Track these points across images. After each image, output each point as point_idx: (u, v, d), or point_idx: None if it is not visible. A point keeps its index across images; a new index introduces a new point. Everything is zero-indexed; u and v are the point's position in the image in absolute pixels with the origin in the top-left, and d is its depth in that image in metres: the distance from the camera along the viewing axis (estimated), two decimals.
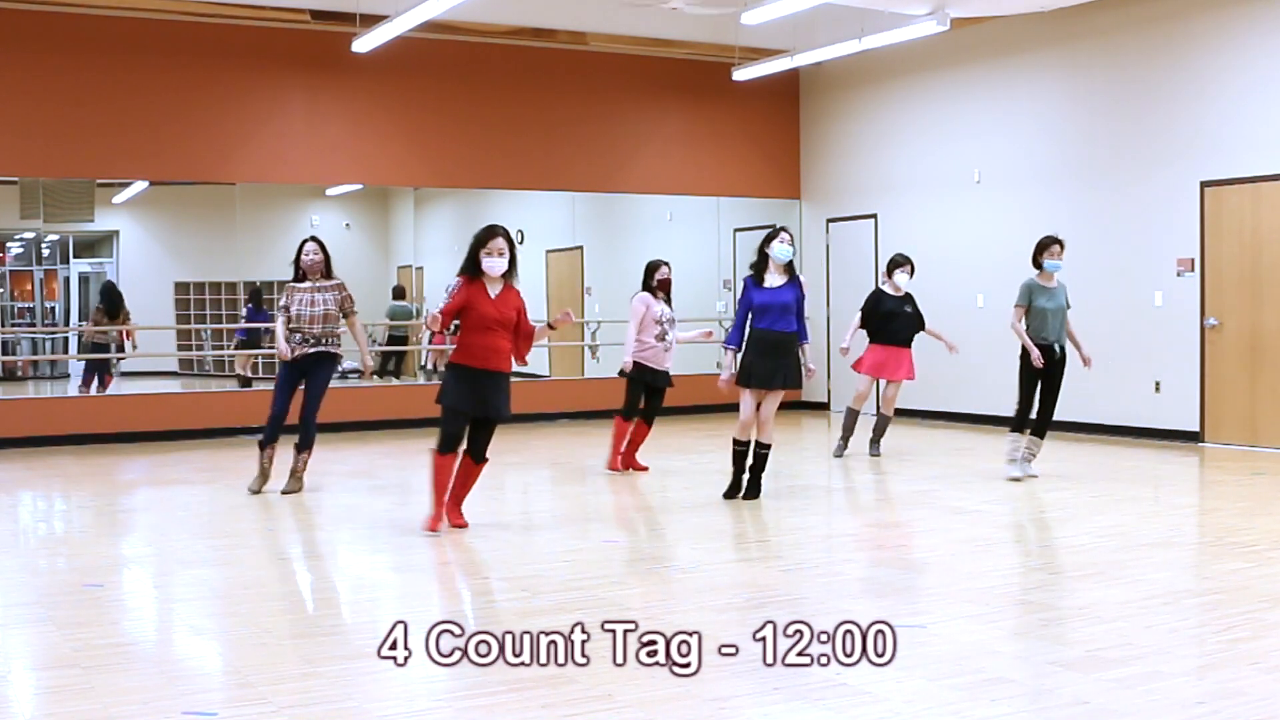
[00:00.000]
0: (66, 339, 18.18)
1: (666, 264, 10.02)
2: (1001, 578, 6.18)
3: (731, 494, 8.52)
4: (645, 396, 9.84)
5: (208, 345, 16.46)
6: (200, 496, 9.30)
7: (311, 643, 5.13)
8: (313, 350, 8.86)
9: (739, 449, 8.49)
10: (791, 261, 8.49)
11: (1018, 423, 9.31)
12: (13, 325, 18.15)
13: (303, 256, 9.08)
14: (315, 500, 9.16)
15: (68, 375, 17.74)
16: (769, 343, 8.29)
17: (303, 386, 8.91)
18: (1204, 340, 11.42)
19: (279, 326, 8.84)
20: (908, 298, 10.85)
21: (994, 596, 5.73)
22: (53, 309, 18.64)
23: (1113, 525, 7.49)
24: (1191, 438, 11.52)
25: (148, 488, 10.02)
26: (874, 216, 14.93)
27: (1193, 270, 11.50)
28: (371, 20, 11.63)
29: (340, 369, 16.96)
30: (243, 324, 15.52)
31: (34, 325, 18.30)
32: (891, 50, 13.47)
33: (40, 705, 4.32)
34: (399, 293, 16.36)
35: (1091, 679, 4.37)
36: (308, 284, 9.01)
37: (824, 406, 15.67)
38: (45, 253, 18.44)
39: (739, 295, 8.60)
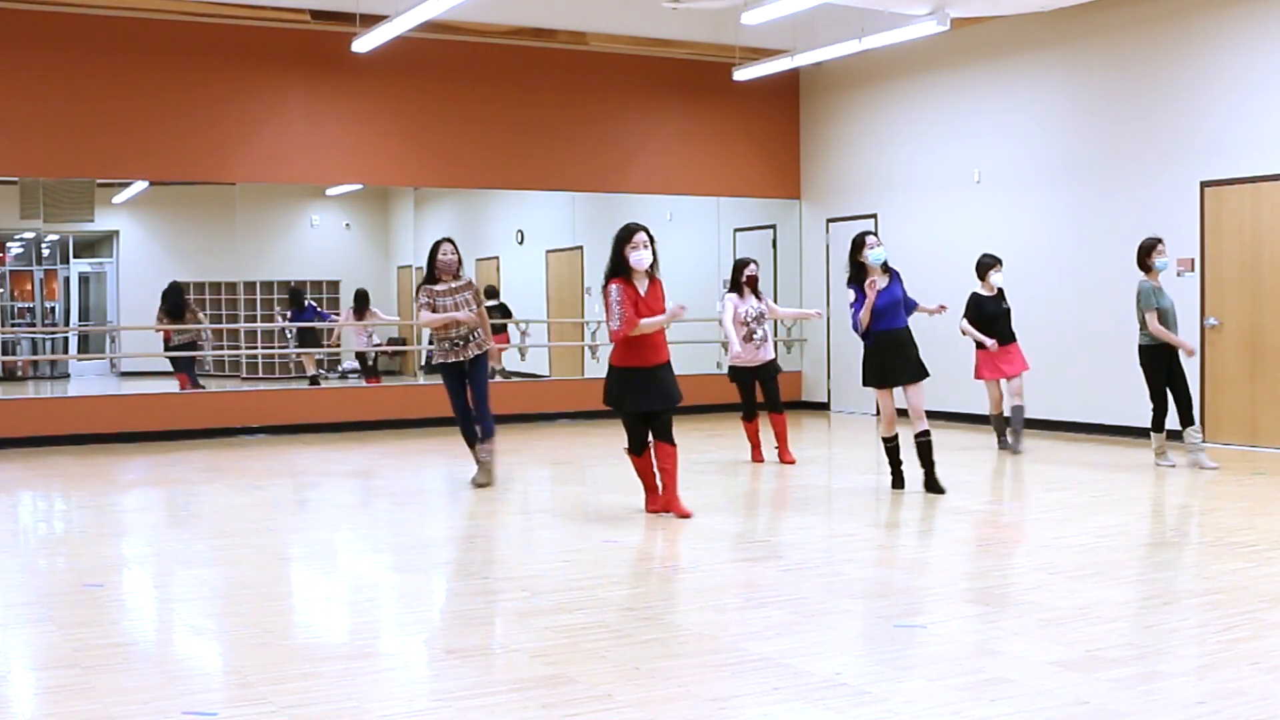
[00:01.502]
0: (66, 339, 18.19)
1: (754, 261, 10.41)
2: (1001, 578, 6.18)
3: (897, 485, 8.83)
4: (761, 388, 10.26)
5: (208, 345, 16.46)
6: (200, 496, 9.30)
7: (311, 643, 5.14)
8: (474, 353, 9.02)
9: (889, 445, 8.85)
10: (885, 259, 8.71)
11: (1157, 421, 9.94)
12: (13, 325, 18.16)
13: (440, 256, 9.05)
14: (315, 500, 9.16)
15: (68, 375, 17.76)
16: (891, 343, 8.62)
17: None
18: (1204, 340, 11.42)
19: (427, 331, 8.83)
20: (1001, 294, 11.00)
21: (994, 596, 5.73)
22: (53, 309, 18.65)
23: (1113, 525, 7.50)
24: None
25: (148, 488, 10.02)
26: (874, 216, 14.92)
27: (1193, 270, 11.49)
28: (371, 20, 11.63)
29: (341, 369, 16.98)
30: (293, 324, 15.52)
31: (34, 325, 18.30)
32: (891, 50, 13.47)
33: (40, 705, 4.32)
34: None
35: (1091, 679, 4.37)
36: (442, 286, 8.99)
37: (824, 407, 15.68)
38: (45, 253, 18.45)
39: (850, 304, 8.77)
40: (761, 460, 10.49)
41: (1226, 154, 11.20)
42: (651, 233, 7.77)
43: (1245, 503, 8.38)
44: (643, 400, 7.68)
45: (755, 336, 10.13)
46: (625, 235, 7.70)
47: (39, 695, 4.44)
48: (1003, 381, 11.04)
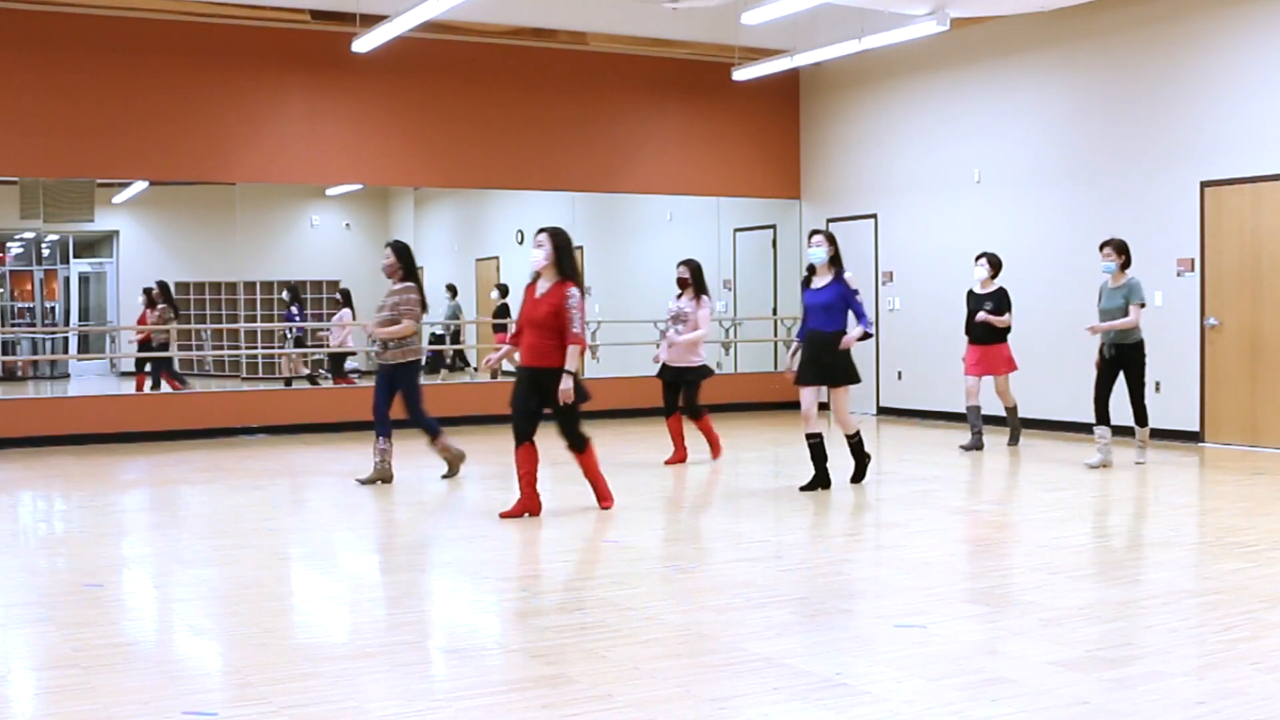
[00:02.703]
0: (66, 339, 18.20)
1: (683, 264, 10.49)
2: (1001, 578, 6.18)
3: (809, 486, 8.90)
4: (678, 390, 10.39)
5: (207, 345, 16.45)
6: (200, 496, 9.30)
7: (311, 643, 5.14)
8: (382, 362, 9.24)
9: (810, 442, 8.93)
10: (835, 259, 8.72)
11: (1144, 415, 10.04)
12: (13, 325, 18.15)
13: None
14: (315, 500, 9.16)
15: (68, 375, 17.77)
16: (812, 343, 8.78)
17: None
18: (1204, 340, 11.42)
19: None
20: (989, 295, 11.02)
21: (994, 596, 5.73)
22: (53, 309, 18.66)
23: (1113, 525, 7.49)
24: (1191, 438, 11.52)
25: (148, 488, 10.02)
26: (874, 216, 14.92)
27: (1193, 270, 11.49)
28: (371, 20, 11.63)
29: (344, 369, 16.95)
30: (297, 323, 15.52)
31: (34, 325, 18.30)
32: (891, 50, 13.47)
33: (40, 705, 4.32)
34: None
35: (1091, 679, 4.37)
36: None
37: (823, 407, 15.64)
38: (45, 253, 18.45)
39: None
40: (679, 461, 10.39)
41: (1226, 154, 11.20)
42: (566, 236, 7.70)
43: (1245, 503, 8.38)
44: (586, 394, 7.84)
45: (667, 335, 10.31)
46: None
47: (39, 695, 4.44)
48: (981, 379, 11.11)
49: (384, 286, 9.44)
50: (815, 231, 8.93)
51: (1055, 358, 12.51)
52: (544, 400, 7.73)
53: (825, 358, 8.71)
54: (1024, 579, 6.09)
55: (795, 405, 15.78)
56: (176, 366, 14.58)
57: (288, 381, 15.46)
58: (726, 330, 15.80)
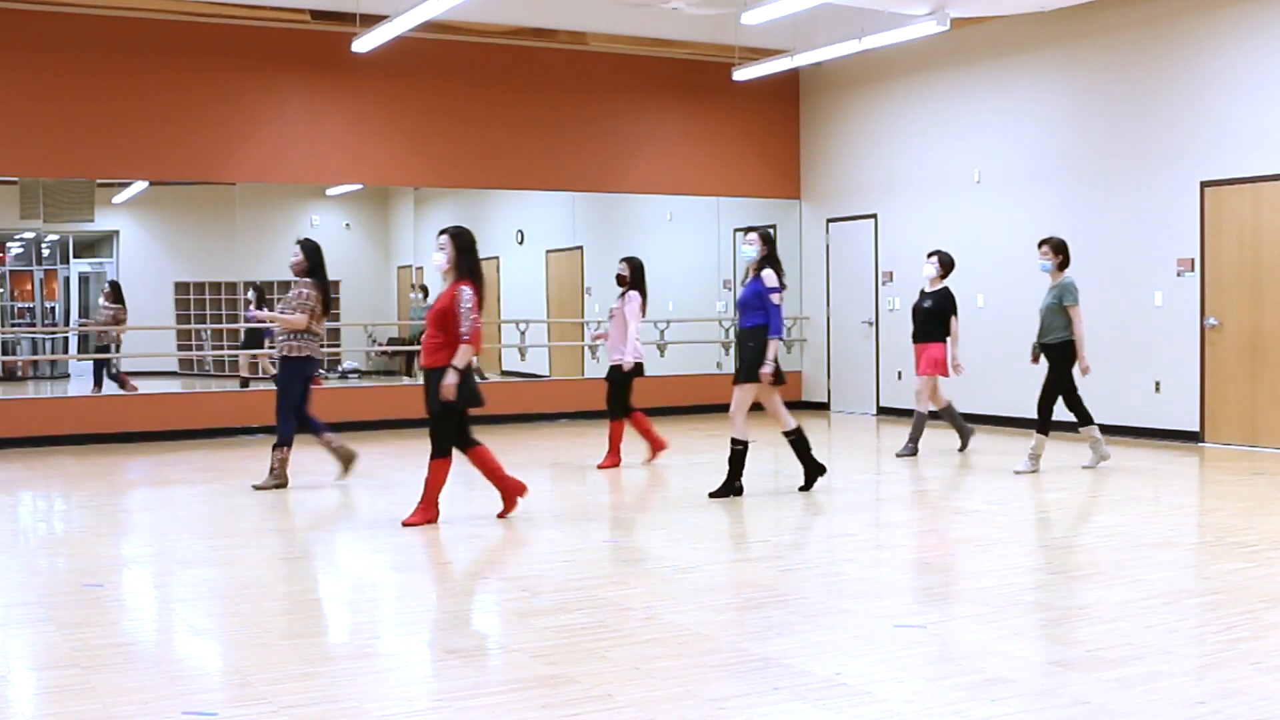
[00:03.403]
0: (66, 339, 18.19)
1: (624, 260, 10.39)
2: (1001, 578, 6.18)
3: (719, 492, 8.59)
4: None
5: (208, 345, 16.46)
6: (200, 496, 9.30)
7: (311, 643, 5.14)
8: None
9: (735, 448, 8.60)
10: (761, 258, 8.46)
11: (1085, 414, 9.83)
12: (13, 325, 18.15)
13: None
14: (315, 500, 9.16)
15: (68, 375, 17.77)
16: (737, 340, 8.69)
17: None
18: (1204, 340, 11.42)
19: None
20: (932, 294, 10.86)
21: (994, 596, 5.73)
22: (53, 309, 18.65)
23: (1113, 525, 7.50)
24: (1191, 438, 11.52)
25: (148, 488, 10.02)
26: (874, 216, 14.93)
27: (1193, 270, 11.49)
28: (371, 20, 11.63)
29: (341, 368, 16.96)
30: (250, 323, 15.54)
31: (34, 325, 18.29)
32: (891, 50, 13.47)
33: (40, 705, 4.32)
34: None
35: (1091, 679, 4.37)
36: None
37: (824, 406, 15.68)
38: (45, 253, 18.45)
39: None
40: (613, 465, 10.22)
41: (1226, 154, 11.20)
42: (470, 238, 7.57)
43: (1245, 503, 8.38)
44: (476, 397, 7.56)
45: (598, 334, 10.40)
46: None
47: (39, 695, 4.44)
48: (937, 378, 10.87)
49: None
50: (750, 229, 8.75)
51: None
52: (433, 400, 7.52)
53: (744, 355, 8.45)
54: (1024, 579, 6.09)
55: (796, 406, 15.83)
56: (122, 366, 14.64)
57: (244, 383, 15.37)
58: (727, 330, 15.80)
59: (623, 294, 10.22)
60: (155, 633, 5.49)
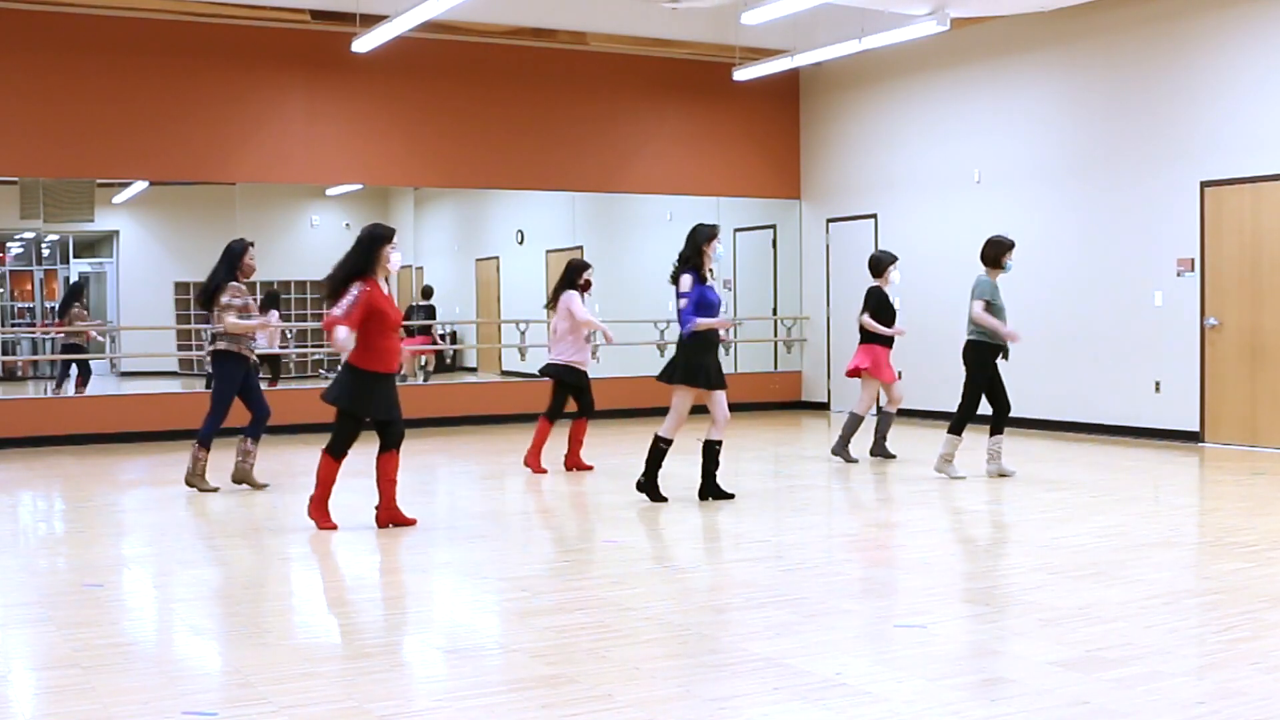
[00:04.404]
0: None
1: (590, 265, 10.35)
2: (1001, 578, 6.18)
3: (642, 488, 8.60)
4: (575, 396, 10.17)
5: (208, 345, 16.45)
6: (199, 497, 9.30)
7: (311, 643, 5.14)
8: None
9: (659, 446, 8.57)
10: (687, 260, 8.44)
11: (959, 423, 9.44)
12: (13, 325, 18.15)
13: (248, 260, 9.22)
14: None
15: (68, 375, 17.75)
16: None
17: None
18: (1204, 340, 11.42)
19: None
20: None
21: (994, 596, 5.73)
22: (53, 309, 18.63)
23: (1113, 525, 7.49)
24: (1191, 438, 11.52)
25: (148, 488, 10.02)
26: (874, 216, 14.92)
27: (1193, 270, 11.49)
28: (371, 20, 11.63)
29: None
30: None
31: (34, 325, 18.29)
32: (891, 50, 13.47)
33: (40, 705, 4.32)
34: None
35: (1091, 679, 4.37)
36: (244, 286, 9.38)
37: (824, 407, 15.67)
38: (45, 253, 18.44)
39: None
40: (533, 470, 10.19)
41: (1226, 154, 11.20)
42: (365, 234, 7.47)
43: (1245, 503, 8.38)
44: (386, 408, 7.45)
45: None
46: (387, 236, 7.40)
47: (39, 695, 4.44)
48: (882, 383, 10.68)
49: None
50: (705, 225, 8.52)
51: (1055, 357, 12.51)
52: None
53: (674, 357, 8.50)
54: (1024, 579, 6.09)
55: (796, 405, 15.85)
56: (74, 370, 14.67)
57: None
58: (727, 330, 15.79)
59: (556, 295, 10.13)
60: (155, 633, 5.49)
